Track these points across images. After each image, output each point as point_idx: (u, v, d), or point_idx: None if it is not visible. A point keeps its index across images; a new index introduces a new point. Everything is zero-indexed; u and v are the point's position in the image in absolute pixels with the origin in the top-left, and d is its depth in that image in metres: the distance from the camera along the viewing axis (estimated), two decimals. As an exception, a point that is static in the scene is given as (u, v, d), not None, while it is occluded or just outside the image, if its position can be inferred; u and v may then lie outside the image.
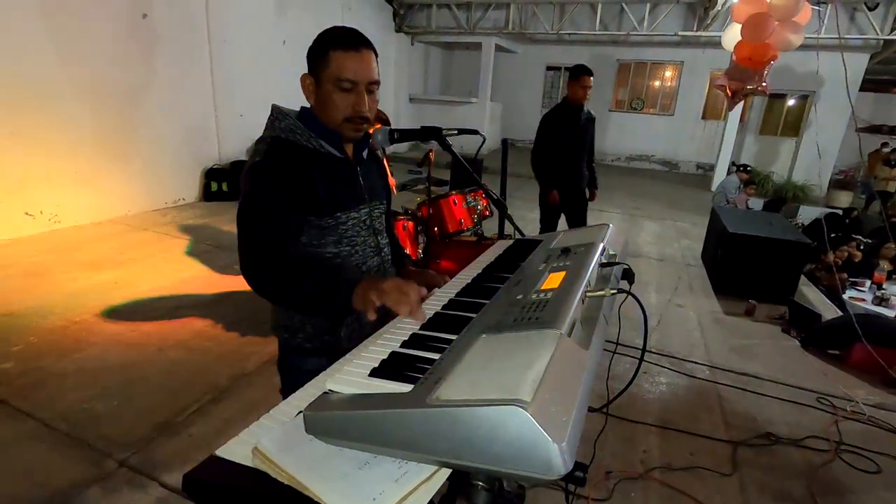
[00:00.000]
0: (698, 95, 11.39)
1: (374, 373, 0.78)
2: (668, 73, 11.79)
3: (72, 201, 5.05)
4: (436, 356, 0.80)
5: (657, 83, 11.96)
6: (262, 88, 6.68)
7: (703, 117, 11.66)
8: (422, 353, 0.83)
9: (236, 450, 0.76)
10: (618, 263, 1.16)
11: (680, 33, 9.26)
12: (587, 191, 4.13)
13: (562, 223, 4.20)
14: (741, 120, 9.76)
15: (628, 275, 1.12)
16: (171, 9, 5.68)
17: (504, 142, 2.78)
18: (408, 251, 3.45)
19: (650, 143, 12.00)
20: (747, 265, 4.33)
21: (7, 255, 4.22)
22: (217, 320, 3.32)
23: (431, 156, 3.55)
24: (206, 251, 4.64)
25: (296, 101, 1.24)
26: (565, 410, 0.58)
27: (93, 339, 3.02)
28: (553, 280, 0.97)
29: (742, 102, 8.87)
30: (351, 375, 0.79)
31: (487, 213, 3.78)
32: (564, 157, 3.91)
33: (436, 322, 0.98)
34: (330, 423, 0.71)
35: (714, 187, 8.79)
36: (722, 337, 3.67)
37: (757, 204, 7.94)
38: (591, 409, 0.72)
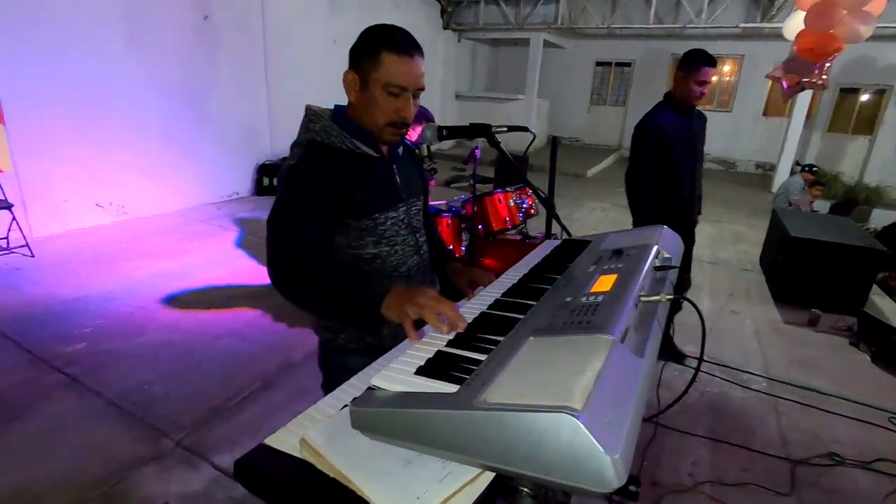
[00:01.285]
0: (759, 91, 10.76)
1: (420, 371, 0.78)
2: (726, 68, 11.21)
3: (138, 194, 5.39)
4: (482, 357, 0.79)
5: (715, 78, 11.36)
6: (314, 86, 6.85)
7: (765, 114, 11.01)
8: (468, 354, 0.82)
9: (285, 439, 0.78)
10: (672, 267, 1.11)
11: (741, 25, 8.75)
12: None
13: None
14: (807, 116, 9.11)
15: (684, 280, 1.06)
16: (229, 10, 5.94)
17: (553, 139, 2.72)
18: (451, 248, 3.47)
19: (706, 140, 11.46)
20: (811, 272, 4.05)
21: (78, 244, 4.55)
22: (267, 310, 3.45)
23: (477, 153, 3.53)
24: (257, 243, 4.82)
25: (344, 99, 1.24)
26: (619, 421, 0.55)
27: (154, 325, 3.21)
28: (604, 283, 0.93)
29: (810, 96, 8.32)
30: (396, 373, 0.79)
31: (533, 211, 3.72)
32: (677, 179, 2.79)
33: (482, 322, 0.96)
34: (375, 419, 0.72)
35: (775, 188, 8.28)
36: (781, 347, 3.45)
37: (823, 207, 7.41)
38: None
